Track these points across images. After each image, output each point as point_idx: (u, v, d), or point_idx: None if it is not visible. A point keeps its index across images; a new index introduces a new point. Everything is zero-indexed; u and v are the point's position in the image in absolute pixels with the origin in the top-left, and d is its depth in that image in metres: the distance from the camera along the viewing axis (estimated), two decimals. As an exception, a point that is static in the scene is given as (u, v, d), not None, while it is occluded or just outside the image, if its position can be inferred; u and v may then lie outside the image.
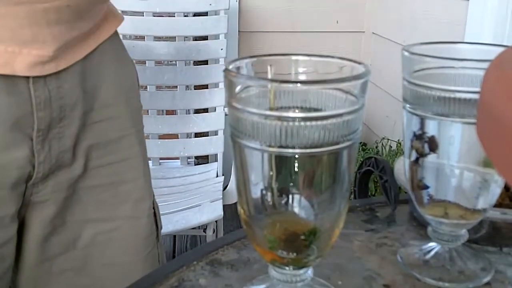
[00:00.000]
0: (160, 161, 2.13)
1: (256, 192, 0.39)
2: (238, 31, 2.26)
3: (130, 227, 0.68)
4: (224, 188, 1.81)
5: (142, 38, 2.06)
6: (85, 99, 0.60)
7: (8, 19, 0.50)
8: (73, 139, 0.60)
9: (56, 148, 0.59)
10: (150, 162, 2.11)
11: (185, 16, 2.07)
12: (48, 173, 0.59)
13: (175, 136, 2.08)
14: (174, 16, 2.05)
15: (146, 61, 2.04)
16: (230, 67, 0.39)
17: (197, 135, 2.09)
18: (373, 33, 2.31)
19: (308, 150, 0.36)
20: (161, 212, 1.78)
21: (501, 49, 0.36)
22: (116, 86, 0.66)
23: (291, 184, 0.38)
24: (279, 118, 0.35)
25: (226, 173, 1.95)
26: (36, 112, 0.55)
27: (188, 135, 2.08)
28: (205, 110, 2.05)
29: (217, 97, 2.02)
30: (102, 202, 0.66)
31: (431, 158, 0.48)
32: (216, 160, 2.03)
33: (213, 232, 1.71)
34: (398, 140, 2.03)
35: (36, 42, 0.52)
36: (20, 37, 0.51)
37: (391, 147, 2.07)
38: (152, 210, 0.72)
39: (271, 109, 0.36)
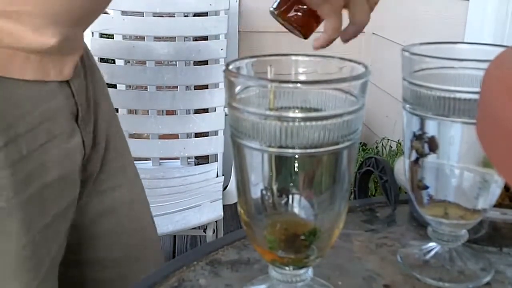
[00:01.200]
0: (160, 161, 2.13)
1: (256, 192, 0.39)
2: (238, 31, 2.26)
3: (133, 189, 0.82)
4: (224, 188, 1.81)
5: (142, 38, 2.06)
6: (93, 88, 0.71)
7: (78, 39, 0.64)
8: (95, 121, 0.71)
9: (90, 131, 0.69)
10: (150, 162, 2.13)
11: (185, 16, 2.07)
12: (89, 154, 0.70)
13: (175, 136, 2.08)
14: (174, 16, 2.05)
15: (146, 61, 2.05)
16: (230, 67, 0.39)
17: (197, 135, 2.09)
18: (373, 33, 2.31)
19: (308, 150, 0.36)
20: (161, 212, 1.78)
21: (501, 49, 0.36)
22: (100, 74, 0.80)
23: (291, 184, 0.38)
24: (279, 118, 0.35)
25: (226, 173, 1.95)
26: (78, 103, 0.66)
27: (188, 135, 2.08)
28: (205, 110, 2.05)
29: (217, 97, 2.02)
30: (113, 173, 0.77)
31: (431, 158, 0.48)
32: (216, 160, 2.03)
33: (213, 232, 1.71)
34: (398, 140, 2.03)
35: (76, 50, 0.65)
36: (73, 49, 0.63)
37: (391, 147, 2.07)
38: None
39: (271, 109, 0.36)
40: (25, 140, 0.57)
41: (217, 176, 1.95)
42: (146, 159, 2.16)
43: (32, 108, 0.58)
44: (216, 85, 2.05)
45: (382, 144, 2.11)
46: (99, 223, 0.75)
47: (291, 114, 0.35)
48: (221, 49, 2.02)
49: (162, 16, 2.05)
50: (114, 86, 2.07)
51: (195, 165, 2.16)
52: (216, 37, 2.04)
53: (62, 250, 0.66)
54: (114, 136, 0.77)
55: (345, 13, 0.65)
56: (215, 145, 2.01)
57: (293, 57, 0.42)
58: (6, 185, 0.56)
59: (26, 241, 0.58)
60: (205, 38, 2.06)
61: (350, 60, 0.40)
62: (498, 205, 0.57)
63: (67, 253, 0.68)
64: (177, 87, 2.07)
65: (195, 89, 2.08)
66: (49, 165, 0.60)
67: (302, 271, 0.42)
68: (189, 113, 2.08)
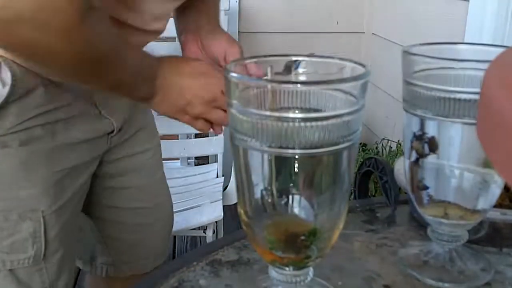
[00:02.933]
0: (160, 161, 2.13)
1: (256, 192, 0.39)
2: (238, 31, 2.26)
3: (158, 151, 1.02)
4: (224, 189, 1.81)
5: (142, 38, 2.06)
6: None
7: None
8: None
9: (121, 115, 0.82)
10: (150, 163, 2.13)
11: (185, 16, 2.06)
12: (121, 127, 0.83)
13: (175, 136, 2.07)
14: (174, 17, 2.05)
15: (146, 62, 2.04)
16: (230, 67, 0.39)
17: (197, 135, 2.08)
18: (373, 33, 2.31)
19: (308, 151, 0.36)
20: (161, 213, 1.76)
21: (500, 50, 0.36)
22: None
23: (291, 184, 0.38)
24: (279, 119, 0.35)
25: (226, 174, 1.95)
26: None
27: (188, 136, 2.08)
28: (205, 111, 2.05)
29: (217, 98, 2.01)
30: (144, 138, 0.92)
31: (431, 158, 0.48)
32: (216, 161, 2.03)
33: (213, 233, 1.71)
34: (398, 140, 2.03)
35: None
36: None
37: (391, 147, 2.06)
38: None
39: (271, 109, 0.36)
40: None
41: (217, 177, 1.95)
42: (146, 159, 2.16)
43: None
44: (216, 86, 2.05)
45: (382, 145, 2.11)
46: (126, 177, 0.89)
47: (291, 114, 0.35)
48: (221, 50, 2.02)
49: (162, 17, 2.05)
50: (114, 86, 2.07)
51: (195, 165, 2.16)
52: (216, 37, 2.04)
53: (84, 189, 0.79)
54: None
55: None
56: (215, 146, 2.01)
57: (293, 58, 0.42)
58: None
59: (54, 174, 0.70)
60: (205, 38, 2.06)
61: (350, 61, 0.40)
62: (498, 205, 0.57)
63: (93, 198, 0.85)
64: (177, 87, 2.06)
65: (195, 90, 2.08)
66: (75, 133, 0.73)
67: (302, 271, 0.42)
68: (189, 114, 2.07)
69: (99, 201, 0.88)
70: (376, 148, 2.17)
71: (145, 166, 0.93)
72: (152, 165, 0.96)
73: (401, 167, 0.64)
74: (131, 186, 0.91)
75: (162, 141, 2.27)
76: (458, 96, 0.45)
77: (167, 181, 2.03)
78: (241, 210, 0.41)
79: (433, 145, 0.48)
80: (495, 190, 0.49)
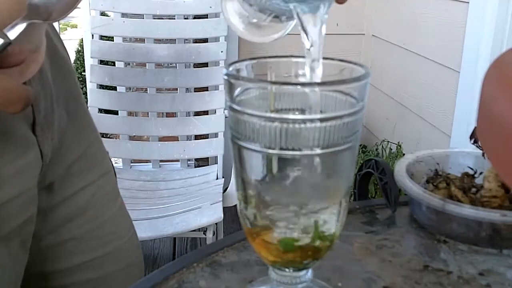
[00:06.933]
0: (160, 163, 2.13)
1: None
2: (238, 33, 2.26)
3: (107, 180, 0.74)
4: (224, 191, 1.81)
5: (142, 40, 2.06)
6: (56, 77, 0.63)
7: None
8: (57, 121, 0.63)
9: (52, 136, 0.61)
10: (150, 164, 2.13)
11: (185, 18, 2.07)
12: (50, 162, 0.62)
13: (175, 138, 2.08)
14: (175, 19, 2.05)
15: (146, 64, 2.05)
16: (230, 69, 0.39)
17: (197, 137, 2.09)
18: (373, 35, 2.32)
19: (308, 152, 0.36)
20: (161, 215, 1.78)
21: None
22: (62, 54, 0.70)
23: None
24: (279, 120, 0.35)
25: (226, 176, 1.95)
26: (35, 109, 0.58)
27: (188, 138, 2.08)
28: (205, 113, 2.06)
29: (217, 100, 2.02)
30: (82, 172, 0.69)
31: None
32: (216, 163, 2.03)
33: (213, 235, 1.71)
34: (398, 142, 2.03)
35: None
36: None
37: (391, 149, 2.07)
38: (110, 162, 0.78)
39: (271, 111, 0.36)
40: None
41: (217, 178, 1.95)
42: (146, 161, 2.16)
43: None
44: (216, 87, 2.05)
45: (382, 146, 2.11)
46: (65, 229, 0.67)
47: (291, 116, 0.35)
48: (221, 51, 2.02)
49: (162, 19, 2.06)
50: (114, 88, 2.08)
51: (195, 167, 2.16)
52: (216, 39, 2.04)
53: (20, 266, 0.60)
54: (80, 125, 0.67)
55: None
56: (215, 147, 2.01)
57: (293, 59, 0.42)
58: None
59: None
60: (205, 40, 2.06)
61: (350, 62, 0.40)
62: (499, 207, 0.57)
63: (27, 267, 0.61)
64: (177, 89, 2.07)
65: (195, 91, 2.09)
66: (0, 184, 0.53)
67: (302, 272, 0.42)
68: (189, 115, 2.08)
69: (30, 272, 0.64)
70: (376, 149, 2.17)
71: (88, 207, 0.70)
72: (98, 202, 0.71)
73: (401, 169, 0.64)
74: (71, 237, 0.68)
75: (162, 143, 2.29)
76: None
77: (167, 183, 2.02)
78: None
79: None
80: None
